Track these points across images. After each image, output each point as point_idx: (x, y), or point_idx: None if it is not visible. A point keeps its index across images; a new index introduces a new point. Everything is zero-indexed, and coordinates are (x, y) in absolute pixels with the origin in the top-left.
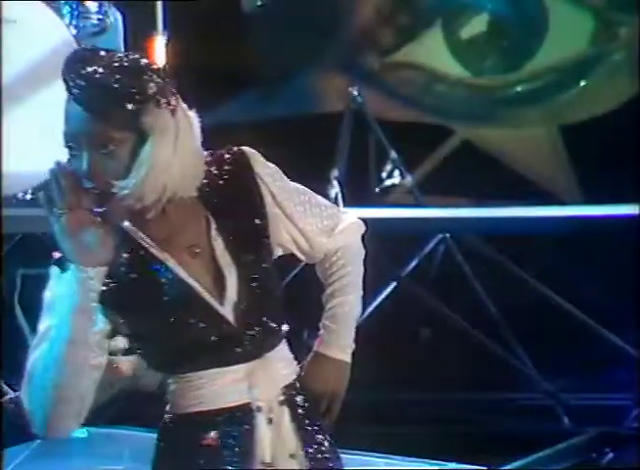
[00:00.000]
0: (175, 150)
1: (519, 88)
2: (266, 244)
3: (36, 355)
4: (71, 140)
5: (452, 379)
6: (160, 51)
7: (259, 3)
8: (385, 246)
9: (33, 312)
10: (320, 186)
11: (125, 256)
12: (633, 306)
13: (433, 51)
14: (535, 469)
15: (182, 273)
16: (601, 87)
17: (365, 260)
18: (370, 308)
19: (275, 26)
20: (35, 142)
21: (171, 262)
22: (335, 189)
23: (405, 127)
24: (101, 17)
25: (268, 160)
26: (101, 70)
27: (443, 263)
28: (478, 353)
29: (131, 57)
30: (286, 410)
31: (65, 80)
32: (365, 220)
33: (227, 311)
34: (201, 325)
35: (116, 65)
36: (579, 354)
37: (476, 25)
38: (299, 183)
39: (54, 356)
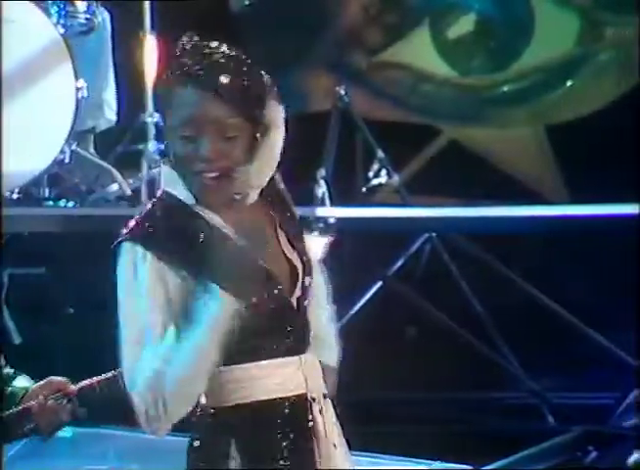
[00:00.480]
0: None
1: (505, 88)
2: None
3: (169, 363)
4: (189, 124)
5: (438, 378)
6: (148, 50)
7: (247, 2)
8: (371, 245)
9: (20, 311)
10: (307, 185)
11: (208, 243)
12: (619, 306)
13: (420, 51)
14: (521, 467)
15: (262, 262)
16: (587, 87)
17: (351, 260)
18: (356, 308)
19: (263, 26)
20: (21, 142)
21: (251, 251)
22: (322, 188)
23: (392, 127)
24: (89, 16)
25: None
26: (227, 59)
27: (430, 263)
28: (464, 353)
29: (237, 51)
30: (329, 402)
31: (188, 66)
32: (352, 220)
33: (294, 302)
34: (277, 312)
35: (237, 57)
36: (565, 354)
37: (463, 25)
38: (287, 182)
39: (193, 359)
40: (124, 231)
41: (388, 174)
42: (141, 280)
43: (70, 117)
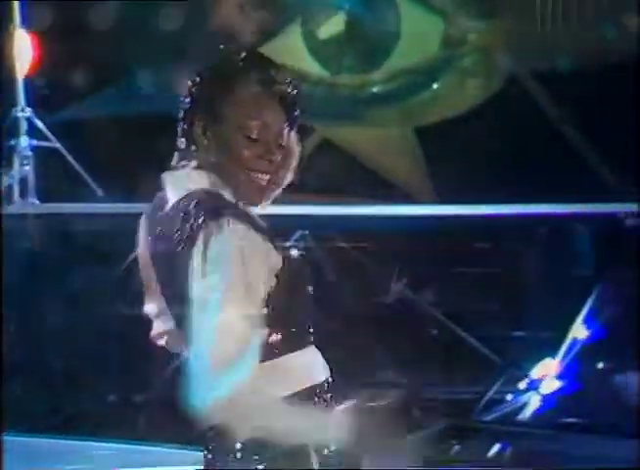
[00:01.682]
0: None
1: (375, 89)
2: None
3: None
4: (258, 127)
5: None
6: (19, 45)
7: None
8: None
9: None
10: None
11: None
12: (483, 304)
13: (292, 50)
14: None
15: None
16: (452, 91)
17: None
18: None
19: (136, 24)
20: None
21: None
22: None
23: None
24: None
25: (124, 154)
26: (288, 72)
27: None
28: (335, 348)
29: None
30: None
31: (267, 76)
32: None
33: None
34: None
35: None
36: (431, 350)
37: (333, 25)
38: (154, 177)
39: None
40: (205, 216)
41: None
42: (248, 252)
43: None
